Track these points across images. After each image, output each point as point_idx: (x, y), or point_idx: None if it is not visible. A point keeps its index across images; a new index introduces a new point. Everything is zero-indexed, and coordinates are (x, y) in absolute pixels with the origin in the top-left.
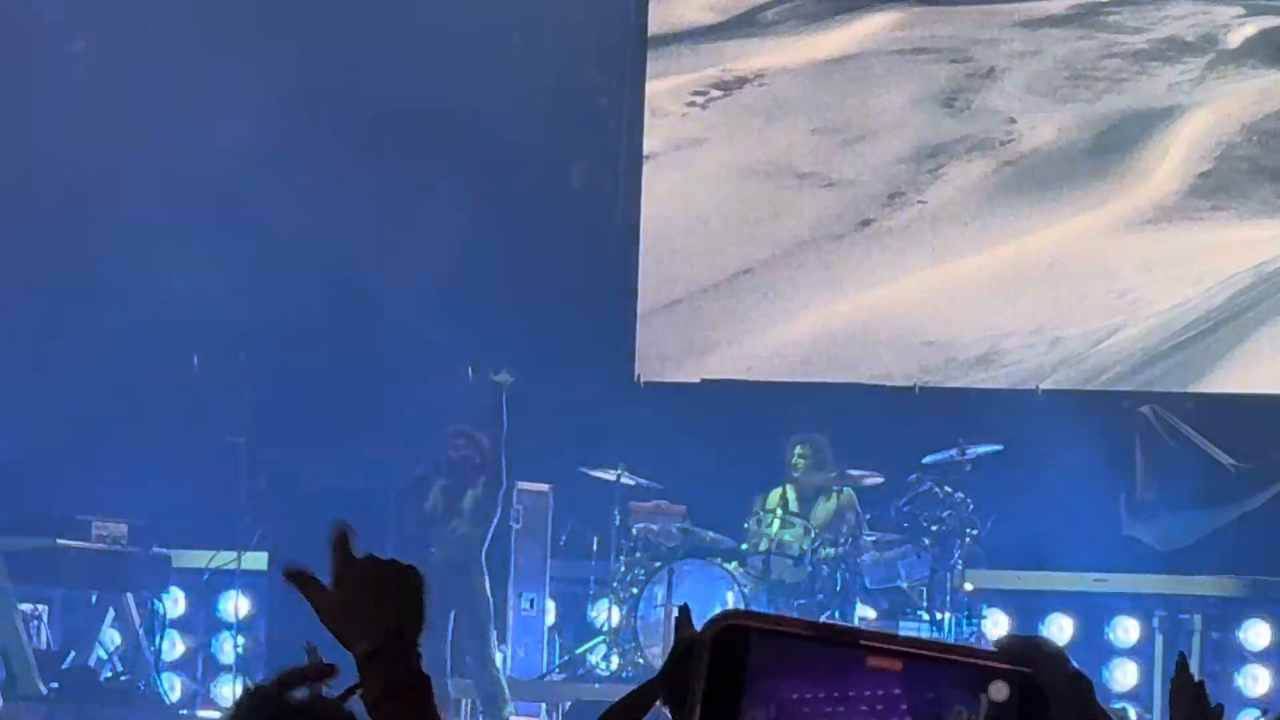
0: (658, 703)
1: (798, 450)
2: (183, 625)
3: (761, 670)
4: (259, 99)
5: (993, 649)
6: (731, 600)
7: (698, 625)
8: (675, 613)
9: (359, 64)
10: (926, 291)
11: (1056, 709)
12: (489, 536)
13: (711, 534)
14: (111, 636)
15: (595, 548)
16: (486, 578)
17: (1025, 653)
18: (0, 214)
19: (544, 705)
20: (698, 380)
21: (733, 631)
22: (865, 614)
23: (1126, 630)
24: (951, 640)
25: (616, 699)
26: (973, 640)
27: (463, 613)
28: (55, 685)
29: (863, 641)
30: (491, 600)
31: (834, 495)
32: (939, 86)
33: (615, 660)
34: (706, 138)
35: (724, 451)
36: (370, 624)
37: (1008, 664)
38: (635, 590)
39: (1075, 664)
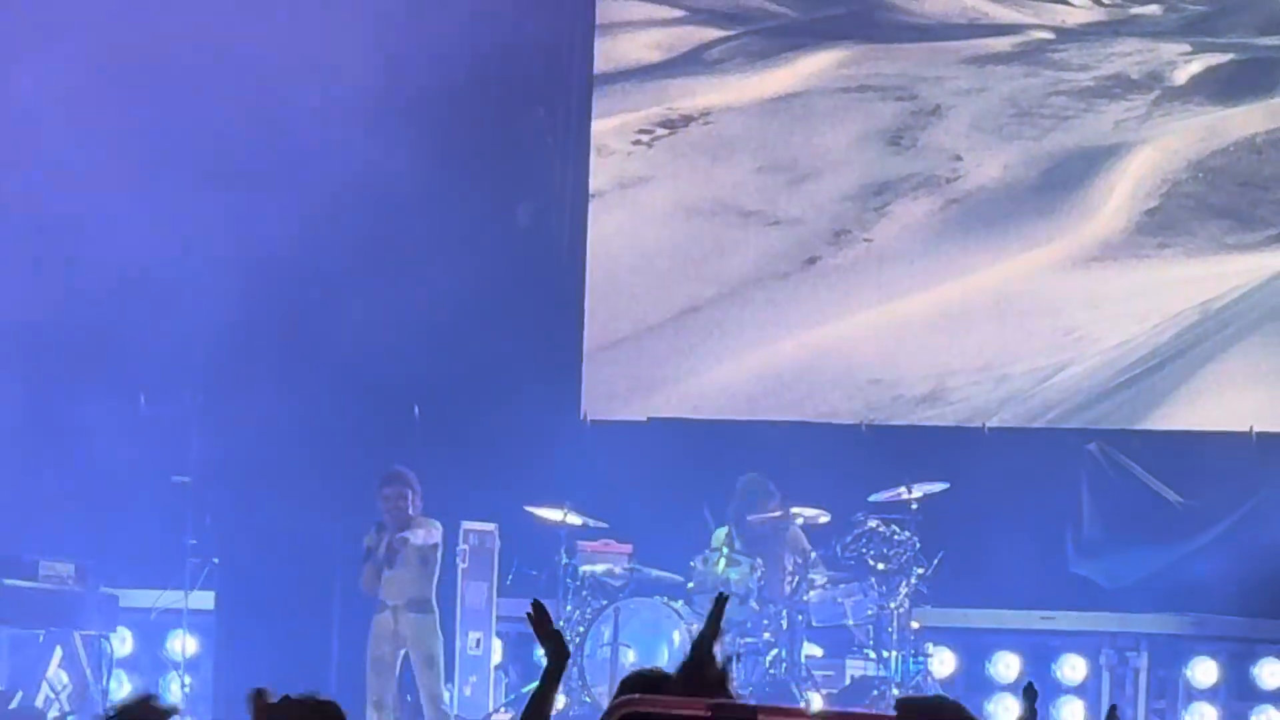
0: None
1: (745, 490)
2: (130, 665)
3: None
4: (220, 135)
5: (894, 713)
6: (678, 639)
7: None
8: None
9: (305, 95)
10: (873, 329)
11: None
12: (436, 572)
13: (657, 572)
14: (59, 676)
15: (542, 586)
16: (437, 615)
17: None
18: None
19: None
20: (644, 419)
21: (634, 718)
22: (812, 652)
23: (1073, 668)
24: (897, 673)
25: None
26: (919, 678)
27: (414, 652)
28: None
29: (761, 716)
30: (442, 639)
31: (784, 533)
32: (884, 124)
33: (562, 699)
34: (652, 176)
35: (670, 490)
36: None
37: None
38: (582, 629)
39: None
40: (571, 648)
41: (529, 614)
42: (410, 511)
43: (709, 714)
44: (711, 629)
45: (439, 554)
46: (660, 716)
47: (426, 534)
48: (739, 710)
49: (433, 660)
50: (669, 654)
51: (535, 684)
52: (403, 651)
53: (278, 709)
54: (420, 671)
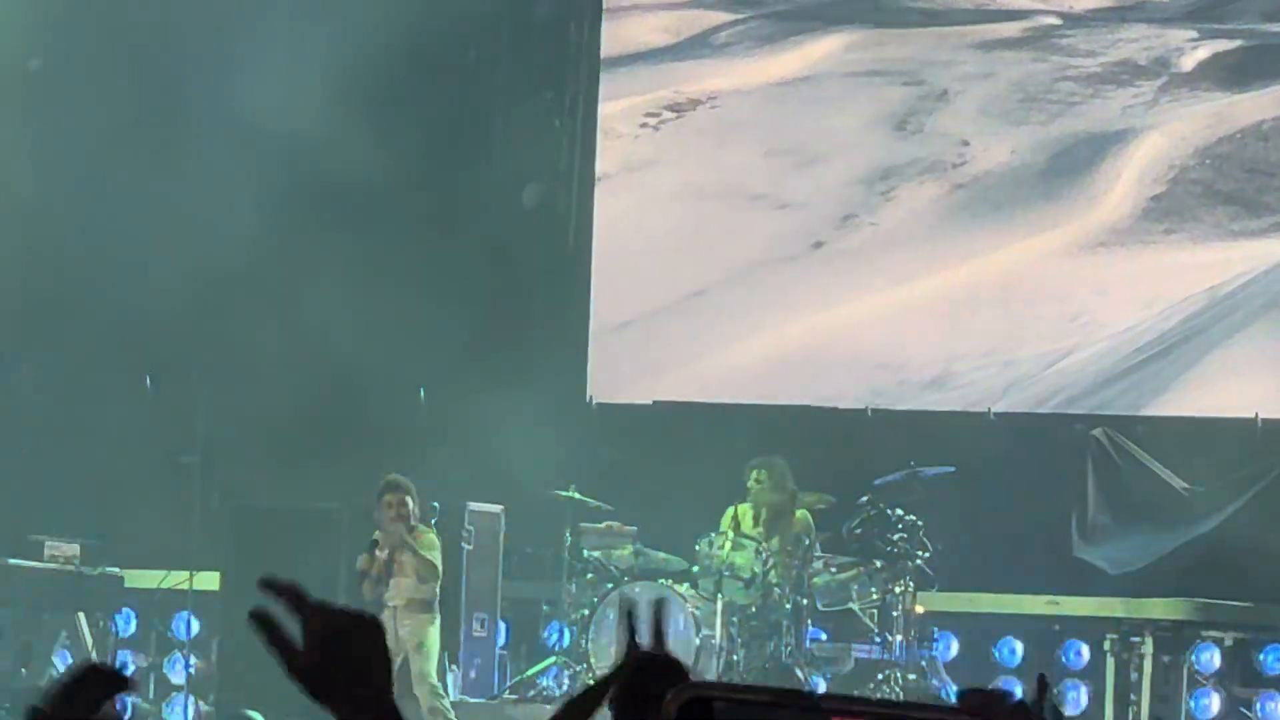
0: None
1: (755, 473)
2: (135, 645)
3: None
4: (221, 116)
5: (954, 703)
6: (683, 623)
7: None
8: (626, 618)
9: (309, 82)
10: (879, 314)
11: None
12: (440, 577)
13: (662, 555)
14: (63, 656)
15: (546, 569)
16: (438, 617)
17: (987, 706)
18: None
19: None
20: (649, 401)
21: (697, 703)
22: (816, 636)
23: (1078, 653)
24: (902, 657)
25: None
26: (924, 663)
27: (410, 641)
28: (6, 705)
29: (825, 705)
30: (439, 633)
31: (790, 517)
32: (892, 109)
33: (566, 682)
34: (659, 159)
35: (675, 473)
36: (351, 683)
37: (968, 716)
38: (586, 612)
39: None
40: (576, 630)
41: (629, 612)
42: (411, 520)
43: (770, 699)
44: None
45: (440, 568)
46: (724, 700)
47: (425, 556)
48: (803, 697)
49: (423, 646)
50: (672, 637)
51: (540, 666)
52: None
53: (325, 620)
54: (411, 655)
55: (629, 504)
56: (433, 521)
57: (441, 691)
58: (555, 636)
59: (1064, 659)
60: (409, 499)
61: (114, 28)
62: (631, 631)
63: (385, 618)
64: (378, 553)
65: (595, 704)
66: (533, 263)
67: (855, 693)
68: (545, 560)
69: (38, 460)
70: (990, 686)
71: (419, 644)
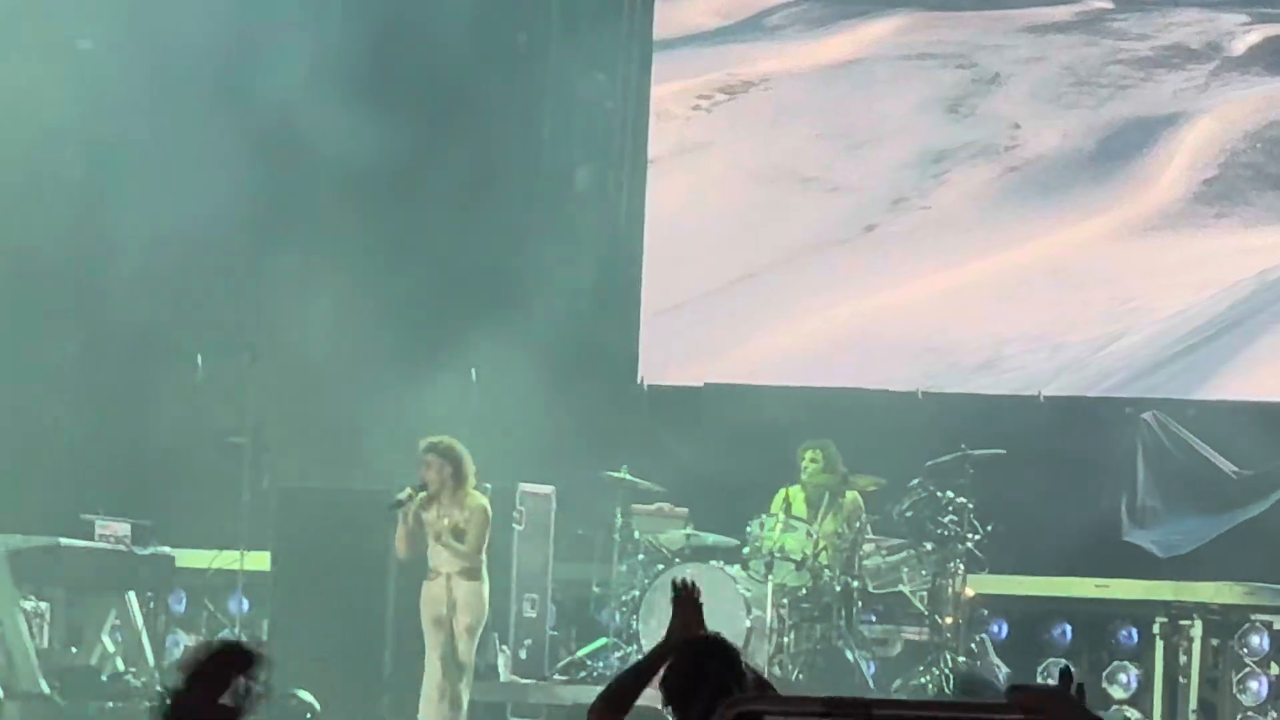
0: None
1: (806, 456)
2: (185, 624)
3: None
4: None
5: (1005, 700)
6: (733, 604)
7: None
8: (677, 590)
9: (366, 61)
10: (930, 297)
11: None
12: (485, 541)
13: (713, 537)
14: (114, 635)
15: (597, 550)
16: (486, 582)
17: (1040, 703)
18: (7, 211)
19: (545, 711)
20: (701, 384)
21: (747, 717)
22: (866, 618)
23: (1127, 636)
24: (952, 640)
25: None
26: (974, 646)
27: (460, 617)
28: (57, 684)
29: (875, 711)
30: (488, 608)
31: (840, 500)
32: (944, 92)
33: (617, 663)
34: (711, 142)
35: (726, 455)
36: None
37: (1021, 713)
38: (637, 593)
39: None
40: (627, 611)
41: (678, 594)
42: (454, 483)
43: (823, 712)
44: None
45: (488, 529)
46: (774, 714)
47: (470, 512)
48: (853, 705)
49: (473, 630)
50: (724, 618)
51: (591, 647)
52: (453, 620)
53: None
54: (458, 633)
55: (680, 486)
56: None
57: (469, 680)
58: (606, 618)
59: (1113, 642)
60: (454, 465)
61: (164, 7)
62: (683, 611)
63: (437, 584)
64: (421, 493)
65: (645, 680)
66: (585, 245)
67: (901, 681)
68: (596, 542)
69: (89, 440)
70: (1038, 682)
71: (469, 622)
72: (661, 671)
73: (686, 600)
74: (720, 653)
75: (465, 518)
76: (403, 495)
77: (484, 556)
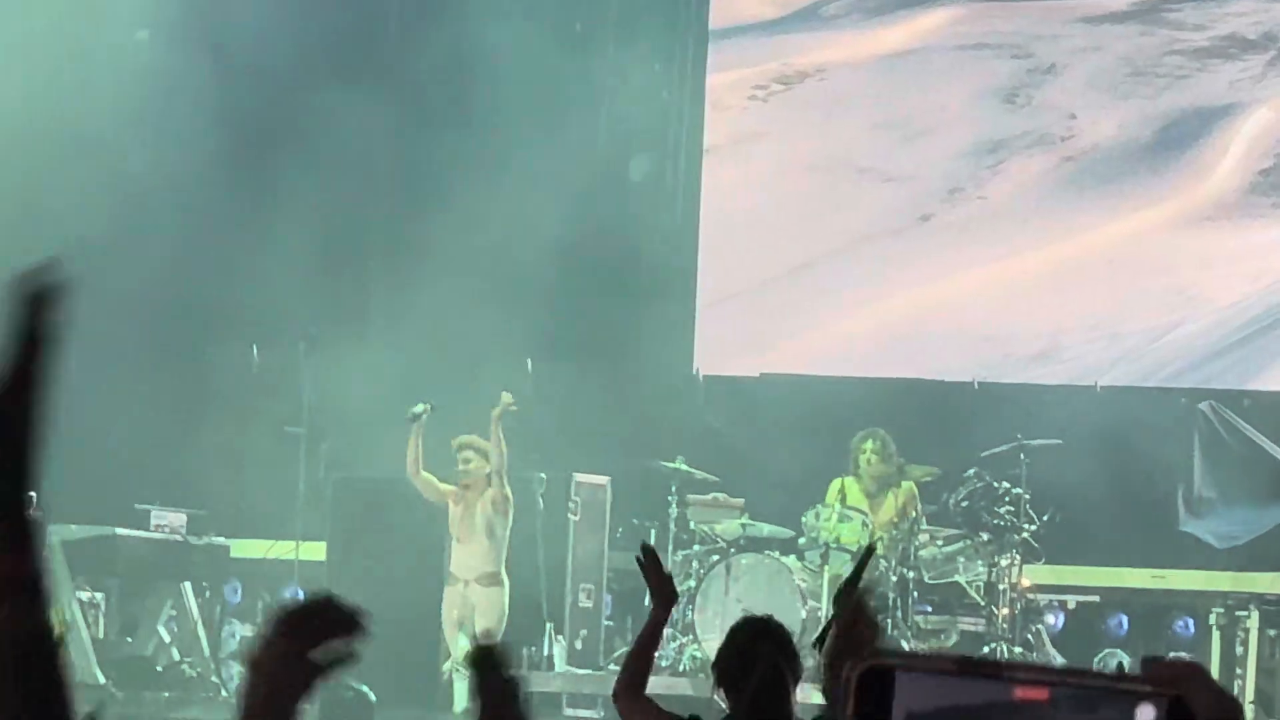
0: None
1: (862, 446)
2: (240, 615)
3: (907, 708)
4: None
5: (1138, 672)
6: (789, 594)
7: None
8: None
9: (416, 50)
10: (985, 287)
11: None
12: (505, 544)
13: (769, 528)
14: (169, 626)
15: (653, 540)
16: (507, 587)
17: (1173, 675)
18: (60, 204)
19: (600, 702)
20: (757, 374)
21: (876, 671)
22: (923, 608)
23: (1184, 626)
24: (1008, 631)
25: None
26: (1030, 637)
27: (479, 621)
28: (112, 674)
29: (1008, 673)
30: (506, 614)
31: (896, 489)
32: (1000, 82)
33: (672, 653)
34: (767, 131)
35: (782, 445)
36: None
37: (1155, 687)
38: (693, 584)
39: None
40: (683, 602)
41: (639, 558)
42: (487, 475)
43: (954, 669)
44: (853, 581)
45: (509, 525)
46: (905, 669)
47: (497, 502)
48: (986, 665)
49: (490, 635)
50: (779, 609)
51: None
52: (471, 621)
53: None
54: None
55: (736, 476)
56: (540, 493)
57: None
58: None
59: (1170, 633)
60: (473, 455)
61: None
62: (655, 571)
63: (456, 590)
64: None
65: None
66: (640, 235)
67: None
68: (652, 532)
69: (144, 430)
70: (1172, 656)
71: (486, 627)
72: (711, 653)
73: (653, 562)
74: (772, 634)
75: (494, 514)
76: (419, 409)
77: (503, 560)
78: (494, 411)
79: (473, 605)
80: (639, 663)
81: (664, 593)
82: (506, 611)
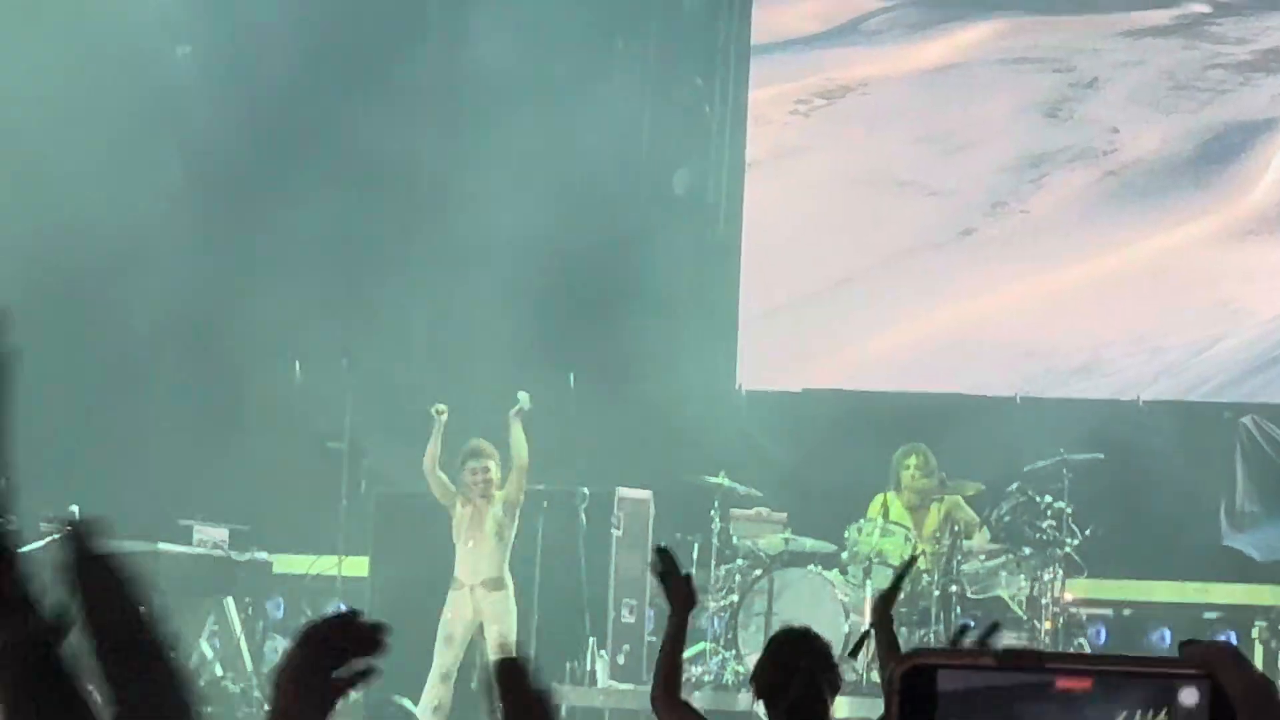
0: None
1: (904, 461)
2: (283, 630)
3: (951, 706)
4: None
5: (1177, 655)
6: (832, 609)
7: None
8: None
9: (458, 67)
10: (1028, 301)
11: (1244, 714)
12: (510, 547)
13: (812, 542)
14: (212, 641)
15: (696, 555)
16: (511, 589)
17: (1209, 658)
18: (102, 219)
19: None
20: (799, 389)
21: (919, 670)
22: (966, 624)
23: (1227, 640)
24: (1051, 645)
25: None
26: (1072, 649)
27: (490, 629)
28: None
29: (1049, 665)
30: (516, 615)
31: (939, 504)
32: (1042, 96)
33: (715, 668)
34: (809, 146)
35: (825, 460)
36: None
37: (1194, 670)
38: (735, 598)
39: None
40: (726, 616)
41: (653, 562)
42: (494, 488)
43: (995, 663)
44: (891, 592)
45: (514, 527)
46: (947, 666)
47: (509, 504)
48: (1027, 657)
49: (506, 645)
50: (822, 623)
51: (689, 652)
52: (476, 625)
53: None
54: (490, 646)
55: (778, 491)
56: (582, 507)
57: None
58: (705, 623)
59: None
60: (492, 465)
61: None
62: (670, 575)
63: (461, 595)
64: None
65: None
66: (682, 249)
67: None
68: (694, 546)
69: (187, 445)
70: (1213, 640)
71: (500, 631)
72: (752, 668)
73: (669, 565)
74: (810, 646)
75: (503, 516)
76: (441, 407)
77: (507, 563)
78: (511, 411)
79: (479, 612)
80: (668, 667)
81: (682, 595)
82: (515, 614)
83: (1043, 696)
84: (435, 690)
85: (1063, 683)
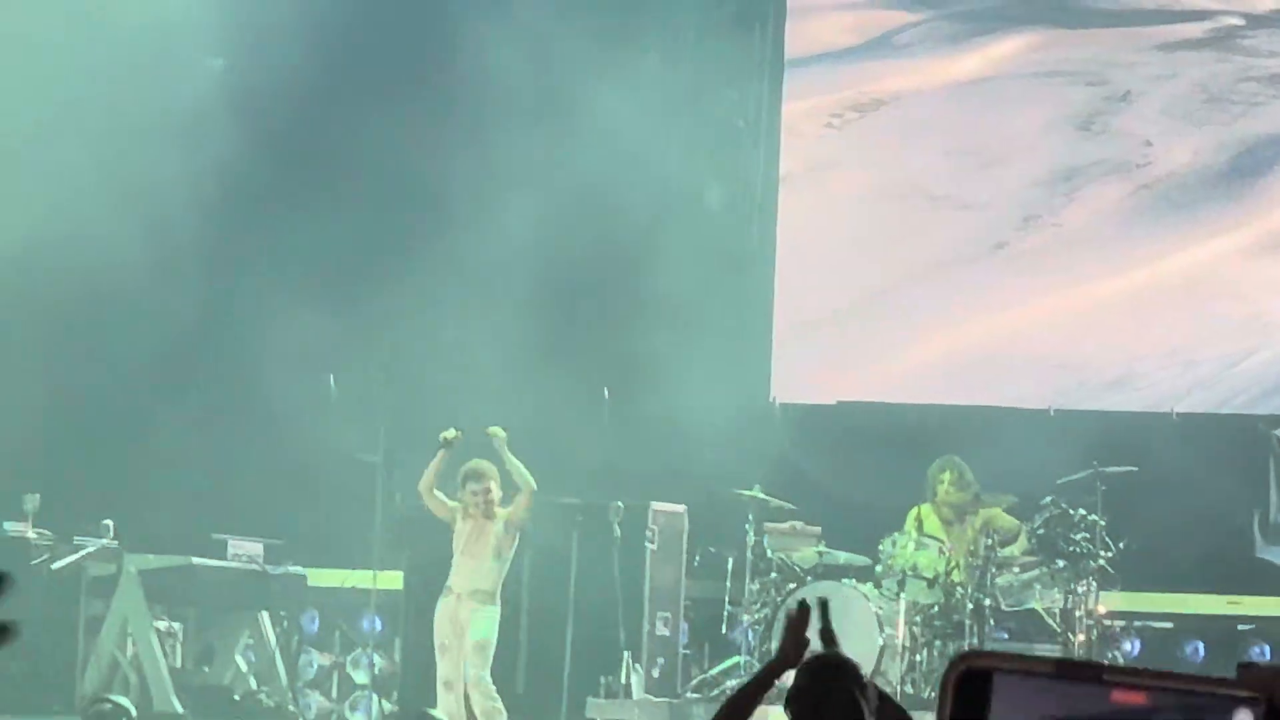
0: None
1: (945, 474)
2: (317, 644)
3: (1005, 710)
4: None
5: (1234, 677)
6: (866, 622)
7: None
8: (793, 610)
9: (489, 80)
10: (1061, 314)
11: None
12: (507, 566)
13: (846, 555)
14: (247, 655)
15: (730, 568)
16: (499, 608)
17: (1268, 680)
18: (137, 239)
19: None
20: (833, 401)
21: (974, 673)
22: (999, 636)
23: (1260, 653)
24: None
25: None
26: (1106, 662)
27: (469, 636)
28: (190, 703)
29: (1106, 676)
30: (496, 629)
31: (974, 517)
32: (1074, 109)
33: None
34: (842, 159)
35: (859, 473)
36: None
37: (1250, 691)
38: (770, 611)
39: None
40: (760, 630)
41: (791, 614)
42: (495, 508)
43: (1052, 670)
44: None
45: (514, 547)
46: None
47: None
48: (1083, 668)
49: (482, 647)
50: (856, 637)
51: (723, 665)
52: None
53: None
54: (471, 652)
55: (812, 504)
56: (617, 521)
57: (494, 693)
58: (739, 636)
59: (1246, 659)
60: (493, 485)
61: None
62: (795, 630)
63: (449, 603)
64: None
65: (756, 699)
66: (716, 262)
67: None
68: (728, 560)
69: (222, 460)
70: (1269, 661)
71: (480, 641)
72: (787, 683)
73: (800, 621)
74: (845, 669)
75: (504, 535)
76: (450, 434)
77: (501, 582)
78: (494, 441)
79: (462, 621)
80: (741, 705)
81: (787, 651)
82: (496, 629)
83: (1098, 707)
84: (443, 700)
85: (1118, 696)
